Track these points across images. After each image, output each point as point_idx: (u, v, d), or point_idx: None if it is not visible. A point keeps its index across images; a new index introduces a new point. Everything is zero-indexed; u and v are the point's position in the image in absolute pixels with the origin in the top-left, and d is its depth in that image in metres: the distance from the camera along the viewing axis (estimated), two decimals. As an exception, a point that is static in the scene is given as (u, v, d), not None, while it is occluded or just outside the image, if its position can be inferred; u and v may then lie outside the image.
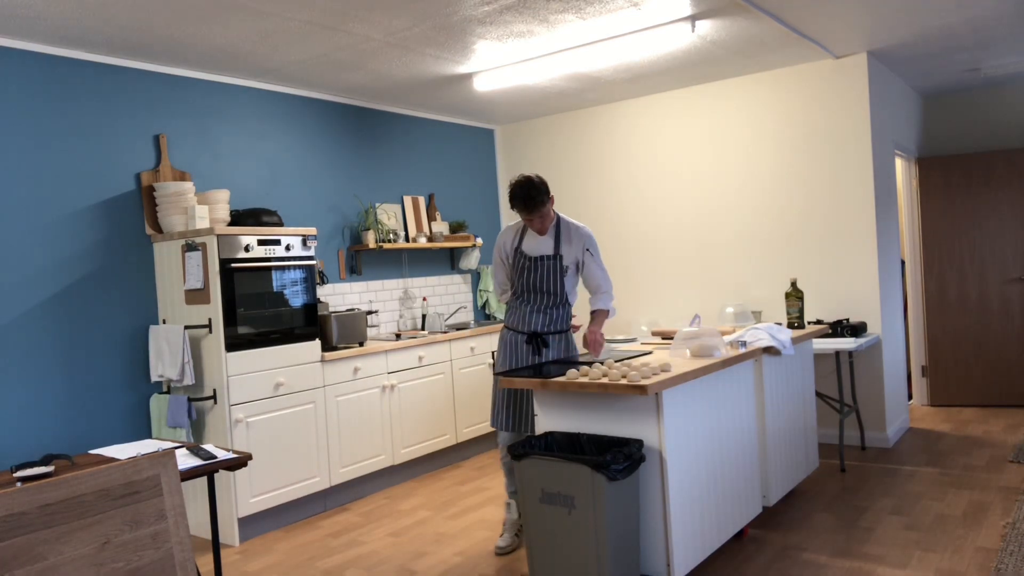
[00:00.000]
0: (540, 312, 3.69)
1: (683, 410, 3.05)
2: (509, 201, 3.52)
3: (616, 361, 3.32)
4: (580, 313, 4.66)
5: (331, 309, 5.05)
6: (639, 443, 2.90)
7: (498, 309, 6.48)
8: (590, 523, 2.75)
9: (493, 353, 3.87)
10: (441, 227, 5.95)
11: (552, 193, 3.54)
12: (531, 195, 3.45)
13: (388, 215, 5.58)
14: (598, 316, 3.70)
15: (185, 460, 2.65)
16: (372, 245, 5.26)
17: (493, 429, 3.78)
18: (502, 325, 3.83)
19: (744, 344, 3.54)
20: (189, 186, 4.19)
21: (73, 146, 3.97)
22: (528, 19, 3.94)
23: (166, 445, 2.89)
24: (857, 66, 5.03)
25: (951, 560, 3.24)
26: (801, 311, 4.34)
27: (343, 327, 4.66)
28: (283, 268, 4.28)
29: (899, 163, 6.24)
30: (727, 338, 3.69)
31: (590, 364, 3.27)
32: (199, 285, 4.01)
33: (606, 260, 6.21)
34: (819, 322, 4.87)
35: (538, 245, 3.63)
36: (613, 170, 6.13)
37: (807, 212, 5.27)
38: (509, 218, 6.74)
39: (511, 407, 3.66)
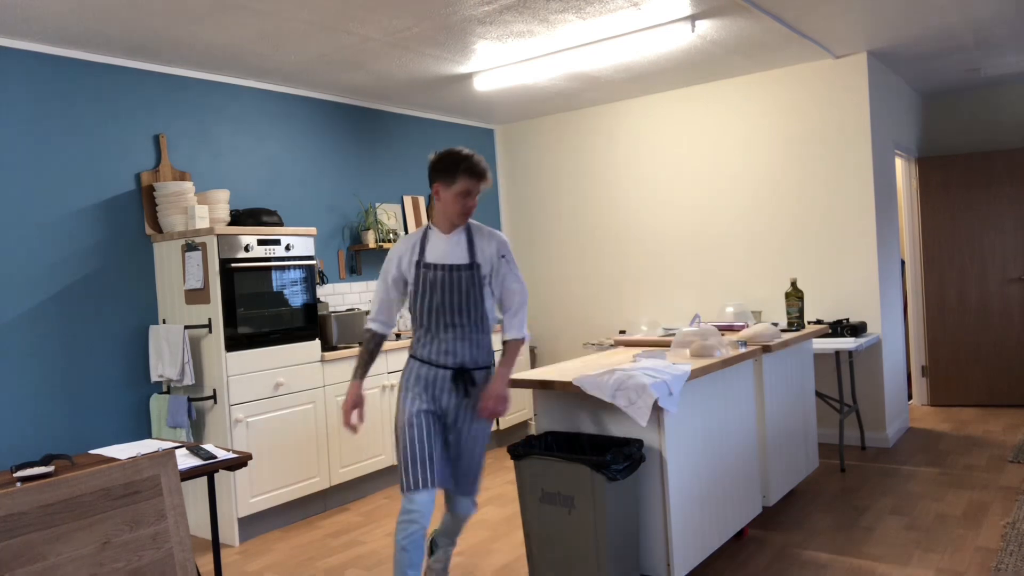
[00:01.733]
0: (464, 340, 2.80)
1: (683, 410, 3.05)
2: (447, 170, 2.72)
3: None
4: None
5: (331, 309, 5.05)
6: (639, 443, 2.90)
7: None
8: (590, 523, 2.75)
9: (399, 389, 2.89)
10: (441, 227, 5.94)
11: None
12: (482, 160, 2.77)
13: (388, 215, 5.58)
14: (510, 351, 2.82)
15: (185, 460, 2.65)
16: (372, 245, 5.26)
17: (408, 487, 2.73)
18: (407, 355, 2.90)
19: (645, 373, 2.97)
20: (189, 186, 4.19)
21: (73, 146, 3.97)
22: (528, 19, 3.94)
23: (166, 445, 2.89)
24: (857, 66, 5.03)
25: (951, 560, 3.24)
26: (801, 311, 4.33)
27: (343, 327, 4.66)
28: (283, 268, 4.28)
29: (899, 163, 6.24)
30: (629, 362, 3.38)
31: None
32: (199, 285, 4.01)
33: (606, 260, 6.23)
34: (819, 322, 4.87)
35: (447, 252, 2.78)
36: (613, 170, 6.12)
37: (807, 212, 5.27)
38: (510, 218, 6.74)
39: (435, 454, 2.72)
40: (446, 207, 2.76)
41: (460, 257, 2.79)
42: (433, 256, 2.79)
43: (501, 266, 2.83)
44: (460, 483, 2.87)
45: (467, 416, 2.82)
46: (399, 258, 2.83)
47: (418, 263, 2.79)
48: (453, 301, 2.77)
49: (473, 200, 2.77)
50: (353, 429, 2.74)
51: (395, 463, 4.88)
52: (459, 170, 2.71)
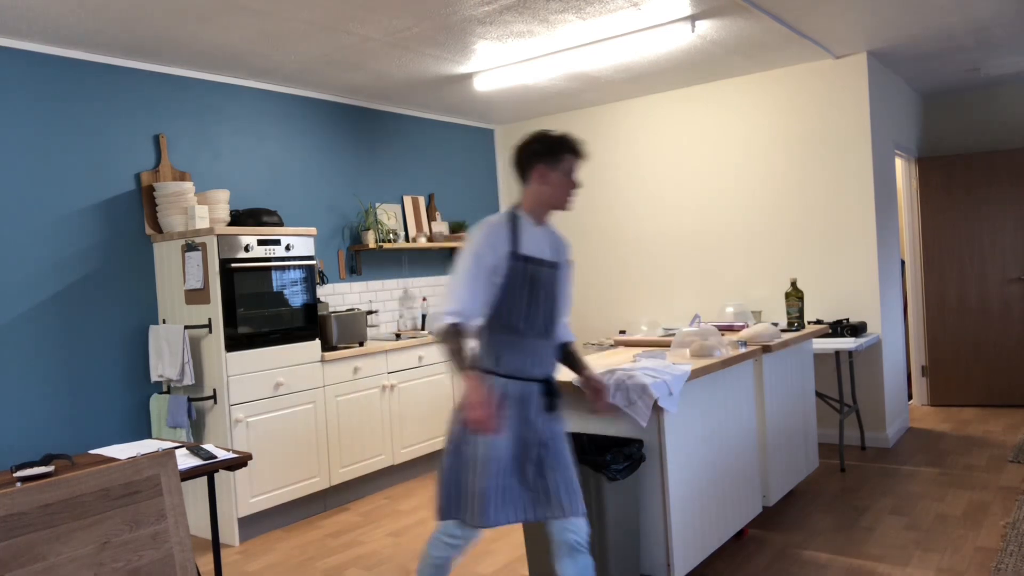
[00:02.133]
0: (550, 349, 2.51)
1: (683, 410, 3.05)
2: (553, 150, 2.44)
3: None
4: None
5: (331, 309, 5.05)
6: (639, 443, 2.90)
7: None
8: (590, 523, 2.75)
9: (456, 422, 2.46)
10: (441, 227, 5.95)
11: None
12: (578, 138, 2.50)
13: (388, 215, 5.58)
14: (577, 349, 2.70)
15: (185, 460, 2.65)
16: (372, 245, 5.26)
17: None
18: (480, 371, 2.41)
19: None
20: (189, 186, 4.19)
21: (73, 146, 3.97)
22: (528, 19, 3.94)
23: (166, 445, 2.89)
24: (857, 66, 5.03)
25: (951, 560, 3.24)
26: (801, 311, 4.33)
27: (343, 327, 4.66)
28: (283, 268, 4.28)
29: (899, 163, 6.24)
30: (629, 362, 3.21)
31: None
32: (199, 285, 4.01)
33: (606, 261, 6.23)
34: (819, 322, 4.87)
35: (540, 246, 2.47)
36: (613, 170, 6.12)
37: (807, 212, 5.27)
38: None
39: (515, 491, 2.38)
40: (553, 191, 2.46)
41: (554, 253, 2.51)
42: (529, 248, 2.43)
43: (568, 268, 2.62)
44: (569, 498, 2.39)
45: (554, 429, 2.46)
46: (492, 244, 2.40)
47: (512, 254, 2.40)
48: (548, 303, 2.46)
49: (572, 187, 2.50)
50: (497, 431, 2.31)
51: (395, 462, 4.88)
52: (564, 148, 2.45)
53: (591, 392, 2.58)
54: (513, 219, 2.47)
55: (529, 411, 2.40)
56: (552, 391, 2.47)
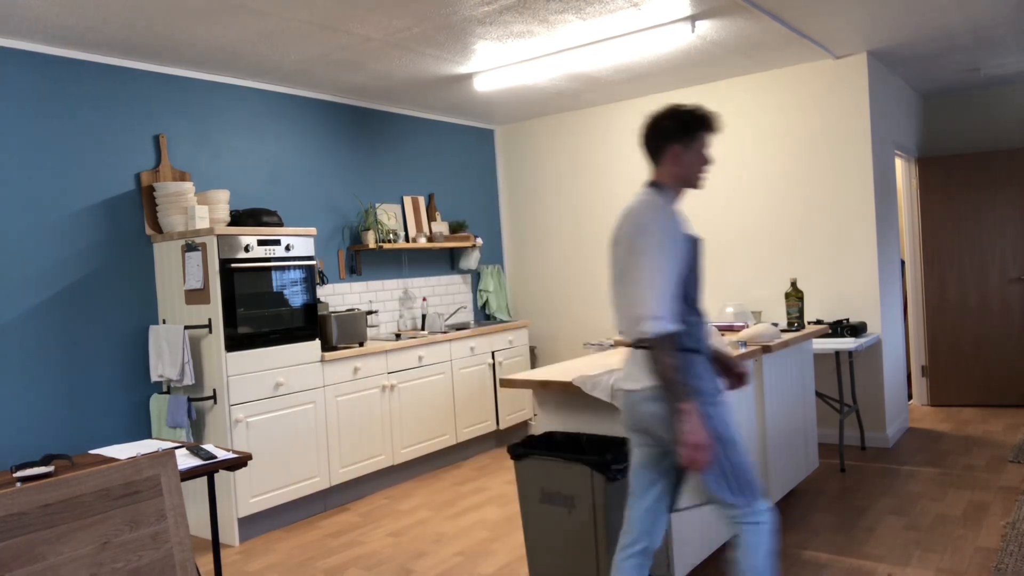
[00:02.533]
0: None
1: (683, 410, 3.05)
2: (688, 127, 2.36)
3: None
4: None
5: (331, 309, 5.05)
6: (639, 443, 2.89)
7: (498, 309, 6.46)
8: (590, 523, 2.75)
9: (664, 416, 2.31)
10: (441, 227, 5.95)
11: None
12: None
13: (388, 215, 5.58)
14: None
15: (185, 460, 2.65)
16: (372, 245, 5.26)
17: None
18: (674, 349, 2.21)
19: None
20: (189, 186, 4.19)
21: (73, 146, 3.97)
22: (528, 19, 3.94)
23: (166, 445, 2.89)
24: (857, 66, 5.03)
25: (951, 560, 3.24)
26: (801, 311, 4.33)
27: (343, 327, 4.66)
28: (283, 268, 4.28)
29: (899, 163, 6.24)
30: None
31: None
32: (199, 285, 4.01)
33: (606, 261, 6.23)
34: (819, 322, 4.87)
35: (688, 224, 2.40)
36: (613, 170, 6.12)
37: (807, 212, 5.27)
38: (510, 218, 6.74)
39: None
40: (689, 169, 2.38)
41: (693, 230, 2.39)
42: (688, 228, 2.38)
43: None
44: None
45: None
46: (674, 231, 2.28)
47: (687, 237, 2.34)
48: (701, 281, 2.44)
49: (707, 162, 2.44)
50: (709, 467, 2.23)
51: (395, 462, 4.88)
52: (699, 125, 2.38)
53: (733, 366, 2.56)
54: (669, 199, 2.37)
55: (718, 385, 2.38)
56: (716, 363, 2.48)
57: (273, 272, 4.23)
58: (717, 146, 5.59)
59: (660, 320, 2.17)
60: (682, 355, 2.21)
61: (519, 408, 5.88)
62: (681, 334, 2.24)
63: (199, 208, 4.09)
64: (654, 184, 2.40)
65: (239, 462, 2.70)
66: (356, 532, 4.11)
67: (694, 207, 5.72)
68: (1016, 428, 5.38)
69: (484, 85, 5.04)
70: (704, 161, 2.40)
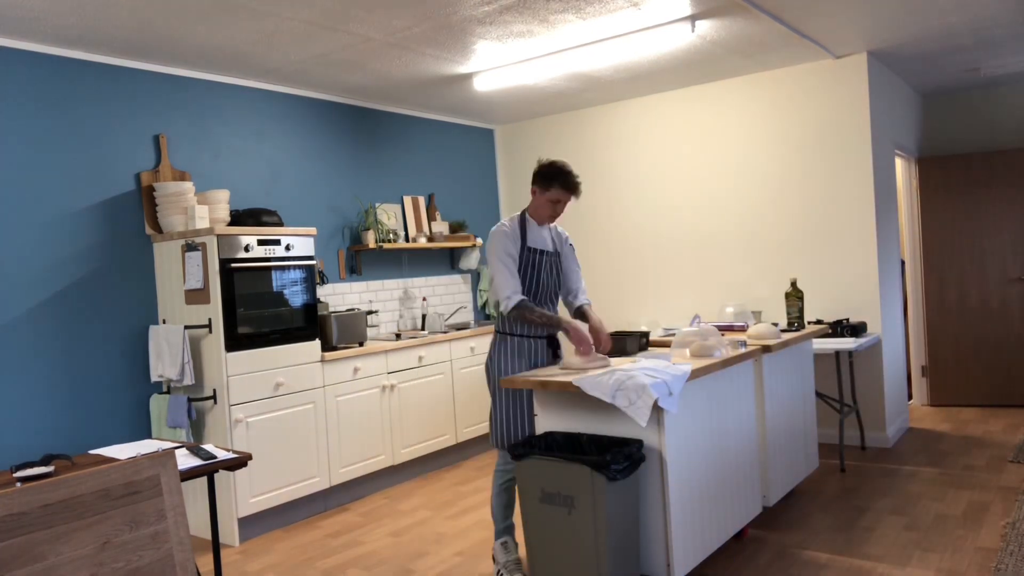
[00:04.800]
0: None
1: (683, 410, 3.05)
2: (546, 179, 3.26)
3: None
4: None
5: (331, 309, 5.05)
6: (639, 443, 2.90)
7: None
8: (590, 523, 2.75)
9: (488, 365, 3.39)
10: (441, 227, 5.95)
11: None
12: (576, 177, 3.29)
13: (388, 215, 5.58)
14: (591, 310, 3.51)
15: (185, 460, 2.65)
16: (372, 245, 5.26)
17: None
18: (499, 333, 3.39)
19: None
20: (189, 186, 4.19)
21: (73, 146, 3.97)
22: (528, 19, 3.94)
23: (166, 445, 2.89)
24: (857, 66, 5.03)
25: (951, 560, 3.24)
26: (801, 311, 4.33)
27: (343, 327, 4.66)
28: (283, 268, 4.28)
29: (899, 163, 6.24)
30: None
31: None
32: (199, 285, 4.01)
33: (606, 261, 6.24)
34: (819, 322, 4.87)
35: (539, 239, 3.37)
36: (613, 170, 6.12)
37: (807, 212, 5.27)
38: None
39: (526, 417, 3.31)
40: (537, 209, 3.34)
41: (547, 244, 3.41)
42: (531, 242, 3.35)
43: (568, 254, 3.53)
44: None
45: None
46: (513, 238, 3.30)
47: (523, 246, 3.32)
48: (545, 280, 3.38)
49: (559, 208, 3.31)
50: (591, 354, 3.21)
51: (395, 462, 4.87)
52: (555, 180, 3.25)
53: (593, 335, 3.29)
54: (519, 221, 3.36)
55: (539, 355, 3.39)
56: (552, 343, 3.43)
57: (273, 272, 4.23)
58: (718, 146, 5.59)
59: (509, 299, 3.21)
60: (529, 310, 3.20)
61: (519, 408, 5.88)
62: (529, 304, 3.22)
63: (199, 208, 4.09)
64: (526, 208, 3.40)
65: (239, 462, 2.70)
66: (356, 532, 4.11)
67: (694, 207, 5.72)
68: (1016, 428, 5.38)
69: (484, 85, 5.04)
70: (550, 209, 3.31)
